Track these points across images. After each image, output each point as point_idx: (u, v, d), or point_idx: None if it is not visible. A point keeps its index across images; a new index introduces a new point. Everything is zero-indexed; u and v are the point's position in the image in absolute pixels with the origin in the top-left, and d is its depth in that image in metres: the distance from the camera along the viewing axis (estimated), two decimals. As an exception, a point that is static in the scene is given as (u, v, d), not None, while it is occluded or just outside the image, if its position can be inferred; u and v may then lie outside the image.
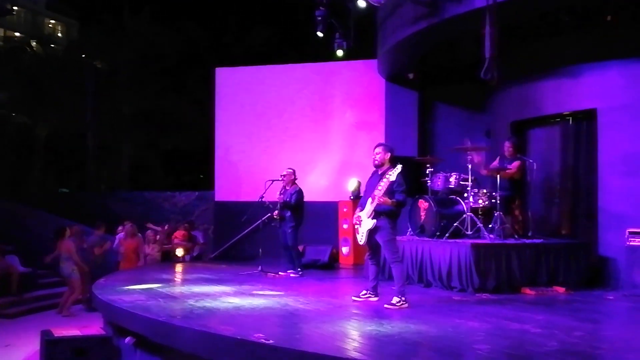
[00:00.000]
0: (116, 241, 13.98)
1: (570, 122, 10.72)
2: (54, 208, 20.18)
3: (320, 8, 11.82)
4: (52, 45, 32.75)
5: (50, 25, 45.46)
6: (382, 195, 7.14)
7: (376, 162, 7.47)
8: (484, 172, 9.81)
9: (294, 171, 10.73)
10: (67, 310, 12.77)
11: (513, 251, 8.75)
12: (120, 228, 14.51)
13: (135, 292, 8.48)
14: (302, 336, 5.57)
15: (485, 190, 9.67)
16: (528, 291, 8.44)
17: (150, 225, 15.00)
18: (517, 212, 9.85)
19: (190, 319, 6.39)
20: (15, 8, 33.96)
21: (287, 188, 10.61)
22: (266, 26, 26.80)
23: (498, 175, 9.48)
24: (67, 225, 14.40)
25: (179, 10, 24.75)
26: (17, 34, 39.93)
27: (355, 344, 5.37)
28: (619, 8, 9.11)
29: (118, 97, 28.01)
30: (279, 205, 10.59)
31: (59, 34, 44.75)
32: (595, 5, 9.24)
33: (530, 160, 10.06)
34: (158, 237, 14.47)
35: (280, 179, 10.68)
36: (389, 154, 7.45)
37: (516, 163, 9.73)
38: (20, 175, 28.74)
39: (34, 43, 31.40)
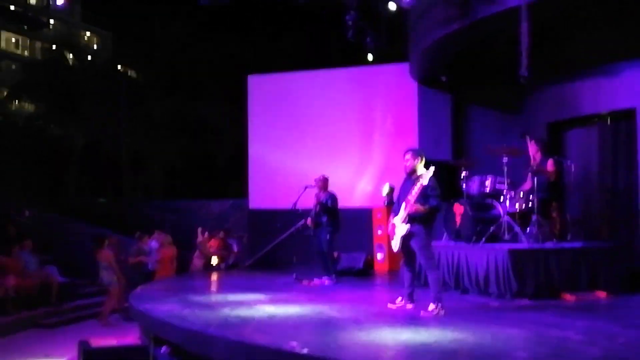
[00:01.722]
0: (150, 250, 14.08)
1: (609, 122, 10.49)
2: (91, 218, 20.47)
3: (351, 12, 11.76)
4: (88, 57, 33.24)
5: (85, 38, 46.23)
6: (415, 201, 7.04)
7: (407, 168, 7.37)
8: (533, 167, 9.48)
9: (325, 177, 10.67)
10: (106, 320, 12.89)
11: (552, 255, 8.55)
12: (151, 237, 14.61)
13: (171, 301, 8.50)
14: (337, 345, 5.50)
15: (522, 193, 9.48)
16: (568, 296, 8.23)
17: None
18: (555, 215, 9.63)
19: (225, 328, 6.37)
20: (52, 21, 34.59)
21: (320, 194, 10.56)
22: (297, 32, 26.86)
23: (535, 177, 9.28)
24: (106, 235, 14.57)
25: (210, 18, 24.91)
26: (53, 46, 40.68)
27: (392, 353, 5.29)
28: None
29: (152, 106, 28.35)
30: (313, 212, 10.53)
31: (94, 46, 45.47)
32: (632, 2, 9.02)
33: (568, 162, 9.84)
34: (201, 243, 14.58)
35: (312, 185, 10.63)
36: (419, 159, 7.33)
37: (551, 161, 9.52)
38: (57, 186, 29.23)
39: (70, 55, 31.92)
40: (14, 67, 37.10)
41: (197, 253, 14.43)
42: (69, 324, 13.19)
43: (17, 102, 35.48)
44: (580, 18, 9.77)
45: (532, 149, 9.70)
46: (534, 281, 8.34)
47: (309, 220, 10.59)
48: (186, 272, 14.29)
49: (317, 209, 10.46)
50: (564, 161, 9.86)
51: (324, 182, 10.61)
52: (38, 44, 44.97)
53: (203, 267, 14.30)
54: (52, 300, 13.74)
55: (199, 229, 15.02)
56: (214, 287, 11.02)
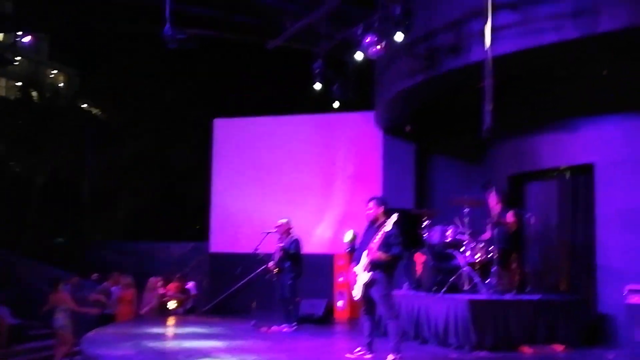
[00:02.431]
0: (112, 294, 13.79)
1: (568, 177, 10.64)
2: (48, 258, 20.00)
3: (318, 60, 11.89)
4: (54, 94, 32.92)
5: (52, 75, 45.90)
6: (378, 249, 7.02)
7: (370, 217, 7.38)
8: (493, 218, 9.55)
9: (288, 221, 10.63)
10: None
11: (511, 307, 8.56)
12: (110, 280, 14.35)
13: (125, 346, 8.27)
14: (293, 396, 5.38)
15: (482, 244, 9.53)
16: (526, 349, 8.23)
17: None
18: (514, 267, 9.69)
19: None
20: (17, 58, 34.29)
21: (283, 239, 10.49)
22: (265, 77, 27.03)
23: (495, 228, 9.35)
24: (62, 278, 14.19)
25: (178, 60, 24.96)
26: (18, 83, 40.26)
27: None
28: (615, 62, 9.15)
29: (116, 146, 28.10)
30: (276, 257, 10.45)
31: (61, 84, 45.16)
32: (591, 60, 9.28)
33: (528, 214, 9.95)
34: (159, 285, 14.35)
35: (274, 230, 10.56)
36: (382, 208, 7.35)
37: (511, 213, 9.62)
38: (15, 225, 28.56)
39: (35, 93, 31.60)
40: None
41: (146, 299, 14.13)
42: (18, 367, 12.77)
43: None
44: (541, 74, 10.02)
45: (493, 200, 9.81)
46: (493, 333, 8.33)
47: (270, 264, 10.49)
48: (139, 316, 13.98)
49: (281, 254, 10.37)
50: (524, 213, 9.97)
51: (286, 227, 10.55)
52: (2, 81, 44.54)
53: (154, 311, 14.03)
54: (1, 342, 13.30)
55: (151, 280, 14.79)
56: (170, 333, 10.77)
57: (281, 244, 10.39)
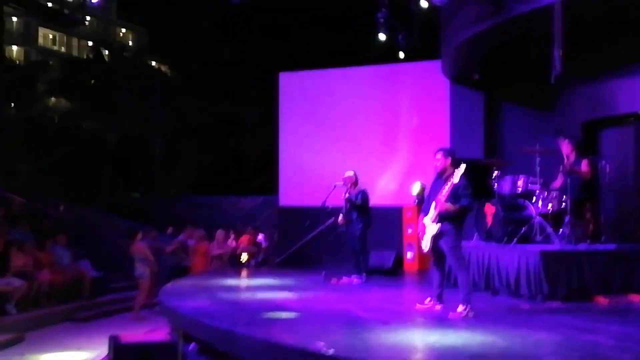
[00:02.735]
0: (187, 246, 14.22)
1: (645, 122, 10.27)
2: (124, 212, 20.71)
3: (382, 10, 11.71)
4: (123, 53, 33.63)
5: (121, 34, 46.80)
6: (446, 200, 6.97)
7: (437, 168, 7.30)
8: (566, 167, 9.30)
9: (354, 173, 10.64)
10: (138, 313, 13.01)
11: (585, 257, 8.39)
12: (189, 234, 14.77)
13: (201, 297, 8.55)
14: (364, 346, 5.47)
15: (554, 193, 9.33)
16: (601, 299, 8.07)
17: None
18: (588, 216, 9.46)
19: (252, 326, 6.38)
20: (87, 18, 35.03)
21: (351, 191, 10.53)
22: (329, 29, 26.85)
23: (569, 177, 9.12)
24: (140, 228, 14.69)
25: (242, 16, 25.01)
26: (89, 42, 41.21)
27: (419, 356, 5.26)
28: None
29: (184, 103, 28.59)
30: (343, 209, 10.51)
31: (130, 42, 46.01)
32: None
33: (603, 162, 9.66)
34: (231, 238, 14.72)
35: (341, 183, 10.61)
36: (450, 159, 7.25)
37: (585, 161, 9.34)
38: (91, 181, 29.64)
39: (106, 51, 32.36)
40: (51, 63, 37.69)
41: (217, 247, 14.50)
42: (101, 318, 13.35)
43: (53, 99, 36.07)
44: (615, 17, 9.58)
45: (566, 148, 9.53)
46: (566, 284, 8.20)
47: (340, 218, 10.56)
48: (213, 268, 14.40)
49: (347, 205, 10.43)
50: (598, 161, 9.67)
51: (353, 179, 10.58)
52: (75, 41, 45.66)
53: (225, 262, 14.41)
54: (84, 294, 13.93)
55: (219, 232, 15.12)
56: (242, 285, 11.05)
57: (349, 195, 10.43)
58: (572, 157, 9.43)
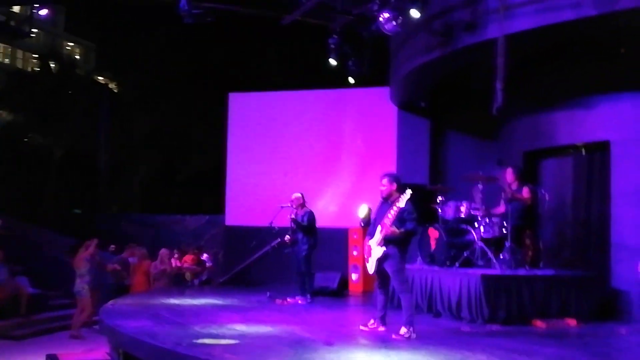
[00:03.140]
0: (129, 265, 14.01)
1: (583, 153, 10.64)
2: (66, 229, 20.26)
3: (334, 36, 11.88)
4: (71, 68, 33.08)
5: (68, 48, 46.02)
6: (392, 224, 7.10)
7: (383, 193, 7.43)
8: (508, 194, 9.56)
9: (302, 195, 10.73)
10: (77, 331, 12.72)
11: (524, 282, 8.64)
12: (131, 252, 14.57)
13: (142, 317, 8.44)
14: (307, 366, 5.51)
15: (496, 220, 9.60)
16: (539, 323, 8.32)
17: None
18: (528, 243, 9.76)
19: (195, 346, 6.34)
20: (34, 30, 34.40)
21: (298, 212, 10.60)
22: (280, 52, 27.01)
23: (510, 204, 9.39)
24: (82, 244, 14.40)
25: (193, 35, 24.94)
26: (34, 55, 40.40)
27: (361, 376, 5.32)
28: (633, 40, 9.09)
29: (131, 119, 28.29)
30: (290, 229, 10.57)
31: (77, 56, 45.28)
32: (609, 38, 9.22)
33: (543, 191, 9.98)
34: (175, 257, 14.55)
35: (289, 204, 10.67)
36: (395, 184, 7.40)
37: (526, 188, 9.65)
38: (33, 196, 28.91)
39: (52, 65, 31.77)
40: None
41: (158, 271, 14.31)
42: (38, 336, 13.02)
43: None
44: (557, 52, 9.98)
45: (509, 177, 9.82)
46: (506, 307, 8.43)
47: (286, 238, 10.61)
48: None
49: (293, 226, 10.49)
50: (538, 190, 9.99)
51: (300, 200, 10.66)
52: (19, 53, 44.70)
53: (167, 282, 14.23)
54: (21, 311, 13.56)
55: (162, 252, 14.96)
56: (186, 304, 10.94)
57: (294, 217, 10.50)
58: (514, 185, 9.72)
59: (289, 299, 10.43)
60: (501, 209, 9.62)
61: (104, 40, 35.20)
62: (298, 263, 10.55)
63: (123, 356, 7.43)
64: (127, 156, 28.97)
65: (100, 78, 33.15)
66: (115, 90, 31.21)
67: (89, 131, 28.18)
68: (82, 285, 12.68)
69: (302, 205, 10.66)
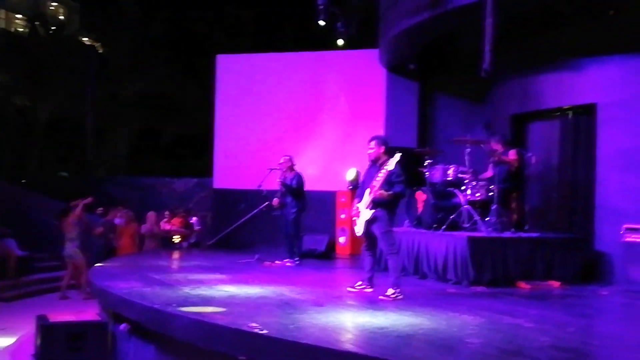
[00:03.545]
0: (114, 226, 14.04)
1: (570, 117, 10.69)
2: (53, 191, 20.20)
3: (323, -4, 11.78)
4: (54, 28, 32.56)
5: (52, 8, 45.27)
6: (380, 187, 7.13)
7: (371, 156, 7.45)
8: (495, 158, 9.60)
9: (290, 158, 10.73)
10: (63, 294, 12.80)
11: (509, 245, 8.76)
12: (116, 214, 14.57)
13: (132, 278, 8.50)
14: (296, 327, 5.58)
15: (482, 183, 9.66)
16: (523, 285, 8.45)
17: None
18: (514, 205, 9.86)
19: (185, 306, 6.40)
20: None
21: (286, 175, 10.61)
22: (268, 13, 26.73)
23: (496, 167, 9.46)
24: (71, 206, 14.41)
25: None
26: (18, 15, 39.74)
27: (349, 336, 5.41)
28: (622, 2, 9.08)
29: (118, 81, 28.01)
30: (278, 192, 10.59)
31: (61, 17, 44.58)
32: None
33: (529, 154, 10.04)
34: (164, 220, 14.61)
35: (277, 167, 10.69)
36: (383, 147, 7.43)
37: (513, 151, 9.71)
38: (19, 158, 28.74)
39: (36, 24, 31.26)
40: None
41: (146, 232, 14.38)
42: (26, 298, 13.10)
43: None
44: (545, 14, 9.94)
45: (495, 146, 9.86)
46: (491, 269, 8.56)
47: (275, 201, 10.63)
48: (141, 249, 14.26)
49: (282, 189, 10.52)
50: (525, 152, 10.05)
51: (289, 163, 10.66)
52: (2, 13, 43.98)
53: (156, 244, 14.31)
54: (10, 273, 13.62)
55: (166, 213, 15.03)
56: (174, 266, 11.01)
57: (284, 179, 10.51)
58: (500, 149, 9.77)
59: (277, 261, 10.52)
60: (489, 173, 9.69)
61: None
62: (286, 226, 10.60)
63: (113, 317, 7.50)
64: (114, 119, 28.76)
65: (85, 39, 32.65)
66: (101, 52, 30.80)
67: (75, 93, 27.87)
68: (72, 248, 12.73)
69: (291, 168, 10.67)
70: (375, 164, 7.42)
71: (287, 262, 10.52)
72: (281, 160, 10.68)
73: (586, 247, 9.44)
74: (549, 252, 8.91)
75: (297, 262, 10.50)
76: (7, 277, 13.51)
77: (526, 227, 9.65)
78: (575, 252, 9.12)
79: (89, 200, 13.28)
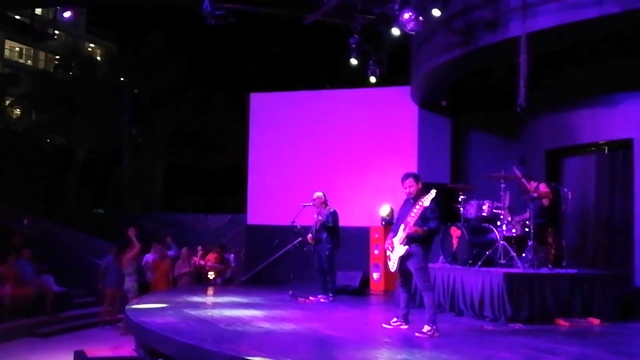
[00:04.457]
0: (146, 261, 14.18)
1: (606, 152, 10.61)
2: (89, 228, 20.50)
3: (355, 35, 11.91)
4: (91, 68, 33.43)
5: (89, 49, 46.46)
6: (414, 223, 7.13)
7: (410, 194, 7.45)
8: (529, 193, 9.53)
9: (324, 194, 10.78)
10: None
11: (547, 281, 8.63)
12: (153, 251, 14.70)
13: (168, 314, 8.55)
14: (332, 363, 5.57)
15: (518, 219, 9.59)
16: (562, 322, 8.30)
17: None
18: (550, 241, 9.73)
19: (221, 343, 6.42)
20: (56, 32, 34.82)
21: (321, 211, 10.65)
22: (301, 52, 27.12)
23: (532, 203, 9.39)
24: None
25: (216, 35, 25.11)
26: (57, 57, 40.87)
27: (386, 373, 5.37)
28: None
29: (153, 118, 28.53)
30: (313, 229, 10.61)
31: (98, 57, 45.71)
32: (632, 35, 9.19)
33: (565, 190, 9.95)
34: (194, 256, 14.71)
35: (310, 203, 10.74)
36: (420, 184, 7.45)
37: (543, 184, 9.64)
38: (56, 195, 29.28)
39: (74, 65, 32.11)
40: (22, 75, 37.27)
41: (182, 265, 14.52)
42: (64, 334, 13.20)
43: (18, 111, 35.66)
44: (579, 49, 9.95)
45: (526, 181, 9.80)
46: (529, 306, 8.42)
47: (309, 237, 10.65)
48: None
49: (318, 226, 10.54)
50: (561, 188, 9.97)
51: (322, 199, 10.70)
52: (42, 54, 45.22)
53: (194, 280, 14.39)
54: (47, 309, 13.76)
55: (199, 249, 15.16)
56: (209, 302, 11.05)
57: (320, 217, 10.53)
58: (532, 184, 9.69)
59: (311, 297, 10.50)
60: (526, 215, 9.57)
61: (125, 41, 35.53)
62: (320, 262, 10.60)
63: (150, 353, 7.54)
64: (149, 156, 29.23)
65: (122, 79, 33.43)
66: (136, 91, 31.47)
67: (111, 131, 28.44)
68: (131, 283, 13.15)
69: (325, 204, 10.70)
70: (411, 200, 7.42)
71: (321, 298, 10.49)
72: (314, 197, 10.73)
73: (626, 283, 9.27)
74: (587, 288, 8.75)
75: (331, 299, 10.47)
76: (44, 313, 13.66)
77: (564, 264, 9.51)
78: (614, 289, 8.94)
79: (134, 232, 13.63)
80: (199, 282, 14.33)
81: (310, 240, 10.62)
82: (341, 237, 10.70)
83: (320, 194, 10.78)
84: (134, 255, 13.48)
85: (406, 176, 7.54)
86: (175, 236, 15.58)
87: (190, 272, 14.43)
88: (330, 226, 10.46)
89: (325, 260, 10.50)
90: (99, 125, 28.30)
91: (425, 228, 7.19)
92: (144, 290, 13.59)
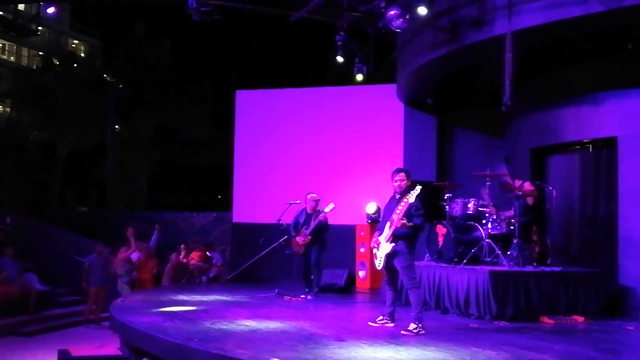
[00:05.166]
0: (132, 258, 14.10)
1: (590, 150, 10.66)
2: (73, 226, 20.35)
3: (341, 33, 11.88)
4: (75, 65, 33.18)
5: (73, 45, 46.13)
6: (400, 219, 7.13)
7: (400, 188, 7.44)
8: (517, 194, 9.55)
9: (317, 200, 10.73)
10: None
11: (531, 279, 8.68)
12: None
13: (152, 313, 8.50)
14: (318, 361, 5.55)
15: (503, 217, 9.63)
16: (546, 320, 8.36)
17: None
18: (535, 239, 9.79)
19: (206, 341, 6.40)
20: (40, 28, 34.54)
21: (309, 212, 10.61)
22: (287, 50, 27.09)
23: (517, 201, 9.43)
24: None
25: (200, 32, 25.04)
26: (40, 53, 40.55)
27: (372, 371, 5.36)
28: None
29: (138, 116, 28.37)
30: (309, 230, 10.50)
31: (82, 54, 45.40)
32: (616, 34, 9.24)
33: (550, 188, 10.00)
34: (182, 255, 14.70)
35: (298, 201, 10.72)
36: (410, 181, 7.46)
37: (527, 183, 9.68)
38: (40, 194, 29.04)
39: (57, 62, 31.84)
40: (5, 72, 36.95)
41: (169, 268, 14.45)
42: (47, 333, 13.11)
43: (0, 108, 35.37)
44: (564, 48, 10.00)
45: (510, 179, 9.83)
46: (514, 304, 8.47)
47: (306, 239, 10.53)
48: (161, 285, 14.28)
49: (314, 227, 10.47)
50: (545, 186, 10.02)
51: (313, 204, 10.67)
52: (25, 51, 44.86)
53: (179, 279, 14.35)
54: (30, 308, 13.65)
55: (182, 247, 15.10)
56: (195, 301, 11.00)
57: (317, 220, 10.46)
58: (517, 182, 9.73)
59: (297, 296, 10.47)
60: (511, 212, 9.62)
61: (108, 37, 35.34)
62: (308, 262, 10.56)
63: (134, 351, 7.50)
64: (134, 154, 29.06)
65: (106, 76, 33.23)
66: (121, 87, 31.29)
67: (95, 129, 28.24)
68: (122, 285, 13.19)
69: (315, 209, 10.63)
70: (397, 195, 7.43)
71: (306, 296, 10.46)
72: (308, 197, 10.67)
73: (610, 281, 9.33)
74: (572, 286, 8.81)
75: (316, 297, 10.44)
76: (28, 311, 13.54)
77: (549, 262, 9.56)
78: (599, 287, 9.01)
79: (132, 231, 13.51)
80: (183, 281, 14.26)
81: (306, 242, 10.49)
82: (328, 239, 10.71)
83: (314, 195, 10.75)
84: (128, 255, 13.37)
85: (398, 170, 7.57)
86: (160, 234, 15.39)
87: (174, 271, 14.38)
88: (324, 226, 10.46)
89: (314, 258, 10.48)
90: (82, 122, 28.08)
91: (411, 223, 7.20)
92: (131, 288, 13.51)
